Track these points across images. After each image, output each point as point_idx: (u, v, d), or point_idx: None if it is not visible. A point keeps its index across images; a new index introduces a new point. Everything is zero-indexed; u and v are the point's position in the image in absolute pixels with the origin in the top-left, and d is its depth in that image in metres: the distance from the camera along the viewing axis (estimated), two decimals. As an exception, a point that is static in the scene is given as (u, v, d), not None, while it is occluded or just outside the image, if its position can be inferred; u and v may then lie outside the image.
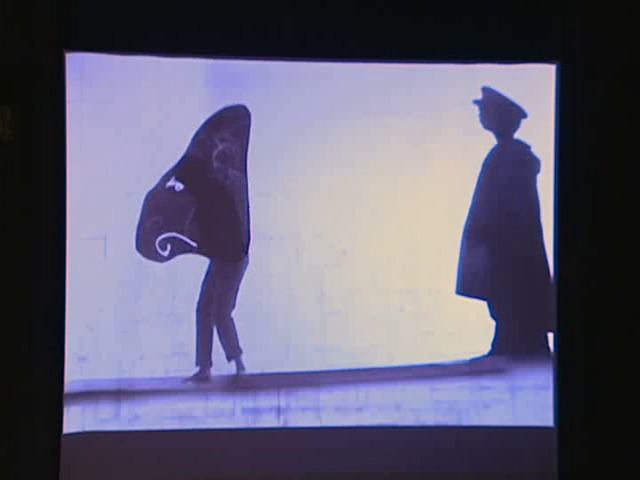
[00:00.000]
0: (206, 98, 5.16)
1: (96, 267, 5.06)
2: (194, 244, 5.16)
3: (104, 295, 5.08)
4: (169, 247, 5.14)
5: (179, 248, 5.15)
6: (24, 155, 4.95)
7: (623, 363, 5.15)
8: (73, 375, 5.02)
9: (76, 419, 5.03)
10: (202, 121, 5.16)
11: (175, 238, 5.15)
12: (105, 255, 5.08)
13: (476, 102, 5.25)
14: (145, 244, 5.12)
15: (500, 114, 5.27)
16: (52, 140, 4.98)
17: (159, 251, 5.13)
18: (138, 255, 5.11)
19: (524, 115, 5.27)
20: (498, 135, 5.29)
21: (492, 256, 5.27)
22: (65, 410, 5.00)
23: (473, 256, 5.26)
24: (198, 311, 5.16)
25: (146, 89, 5.13)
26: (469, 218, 5.25)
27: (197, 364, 5.14)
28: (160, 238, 5.14)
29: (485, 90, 5.25)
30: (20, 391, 4.90)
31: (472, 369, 5.23)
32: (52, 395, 4.96)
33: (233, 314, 5.18)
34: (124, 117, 5.10)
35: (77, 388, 5.03)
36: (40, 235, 4.95)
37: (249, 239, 5.17)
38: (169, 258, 5.14)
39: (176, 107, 5.13)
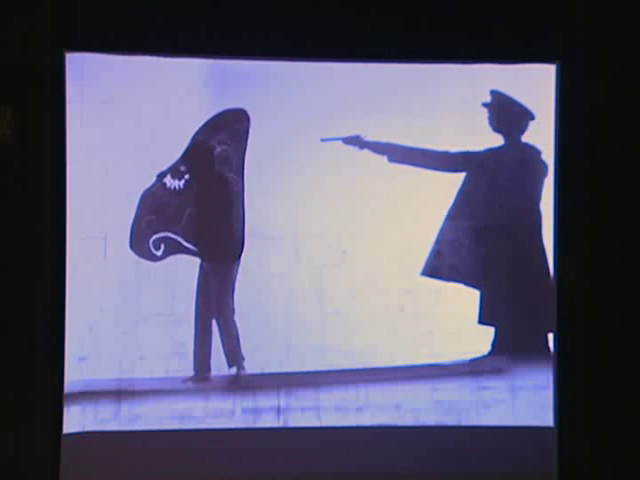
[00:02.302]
0: (206, 98, 5.16)
1: (96, 267, 5.07)
2: (188, 245, 5.16)
3: (104, 295, 5.08)
4: (163, 247, 5.14)
5: (173, 248, 5.15)
6: (24, 155, 4.95)
7: (623, 363, 5.15)
8: (73, 375, 5.03)
9: (76, 419, 5.03)
10: (202, 121, 5.16)
11: (169, 238, 5.15)
12: (105, 255, 5.08)
13: (485, 105, 5.25)
14: (139, 243, 5.12)
15: (509, 116, 5.27)
16: (52, 140, 4.98)
17: (152, 250, 5.13)
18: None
19: (532, 117, 5.27)
20: (506, 137, 5.29)
21: (492, 256, 5.27)
22: (65, 410, 5.00)
23: (472, 255, 5.27)
24: (197, 314, 5.15)
25: (146, 89, 5.13)
26: (466, 216, 5.26)
27: (194, 369, 5.14)
28: (154, 237, 5.14)
29: (493, 93, 5.25)
30: (20, 391, 4.90)
31: (472, 369, 5.23)
32: (52, 395, 4.96)
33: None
34: (124, 117, 5.10)
35: (77, 388, 5.03)
36: (40, 235, 4.95)
37: (243, 243, 5.17)
38: (162, 258, 5.14)
39: (176, 107, 5.13)
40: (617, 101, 5.16)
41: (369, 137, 5.20)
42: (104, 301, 5.08)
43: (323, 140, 5.15)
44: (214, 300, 5.18)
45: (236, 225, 5.18)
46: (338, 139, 5.16)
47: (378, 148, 5.20)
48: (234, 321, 5.18)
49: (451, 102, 5.23)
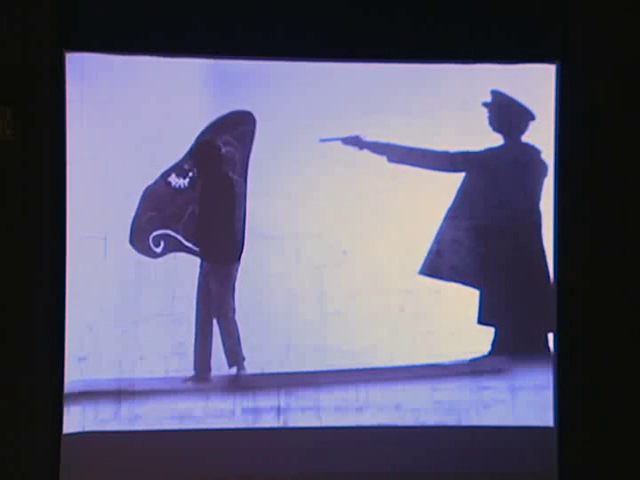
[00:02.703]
0: (206, 98, 5.16)
1: (96, 267, 5.07)
2: (188, 244, 5.16)
3: (104, 295, 5.08)
4: (162, 244, 5.15)
5: (172, 246, 5.16)
6: (24, 155, 4.95)
7: (623, 363, 5.15)
8: (73, 375, 5.03)
9: (76, 419, 5.03)
10: (202, 121, 5.17)
11: (169, 235, 5.16)
12: (105, 255, 5.08)
13: (485, 105, 5.25)
14: (139, 239, 5.12)
15: (509, 116, 5.27)
16: (52, 140, 4.98)
17: (152, 247, 5.13)
18: (138, 255, 5.12)
19: (532, 117, 5.27)
20: (506, 137, 5.29)
21: (492, 256, 5.27)
22: (65, 410, 5.00)
23: (472, 255, 5.27)
24: (197, 314, 5.16)
25: (146, 89, 5.13)
26: (466, 216, 5.26)
27: (194, 369, 5.14)
28: (154, 234, 5.14)
29: (493, 93, 5.25)
30: (20, 391, 4.90)
31: (472, 369, 5.23)
32: (52, 395, 4.96)
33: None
34: (124, 117, 5.10)
35: (77, 388, 5.03)
36: (40, 235, 4.95)
37: (243, 245, 5.17)
38: (161, 255, 5.14)
39: (176, 107, 5.13)
40: (617, 101, 5.16)
41: (369, 137, 5.20)
42: (104, 301, 5.08)
43: (323, 140, 5.15)
44: (214, 300, 5.18)
45: (237, 225, 5.18)
46: (337, 139, 5.17)
47: (377, 148, 5.20)
48: (235, 321, 5.18)
49: (451, 102, 5.23)
